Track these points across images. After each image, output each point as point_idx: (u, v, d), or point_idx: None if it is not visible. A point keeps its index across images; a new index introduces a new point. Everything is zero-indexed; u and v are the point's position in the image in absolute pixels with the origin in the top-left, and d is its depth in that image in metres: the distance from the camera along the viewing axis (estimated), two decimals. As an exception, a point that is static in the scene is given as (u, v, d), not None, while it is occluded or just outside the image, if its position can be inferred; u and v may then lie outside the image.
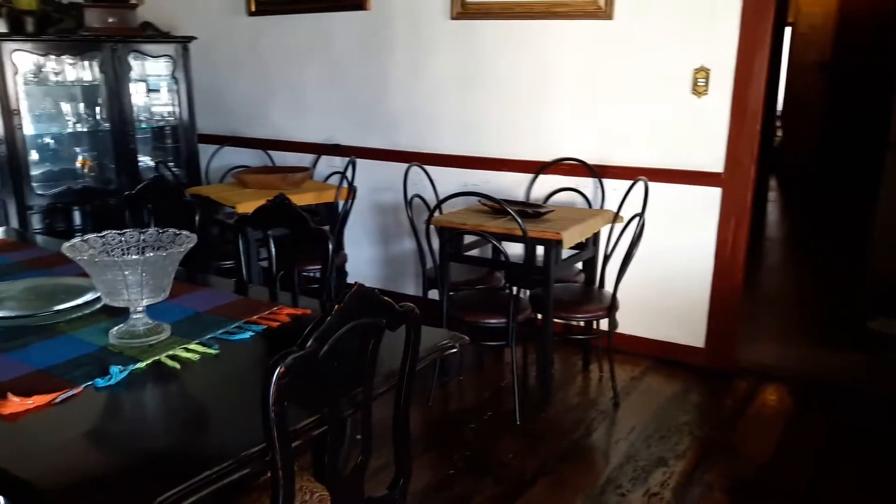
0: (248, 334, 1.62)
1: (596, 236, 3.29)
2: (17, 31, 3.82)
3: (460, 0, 3.66)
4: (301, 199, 3.73)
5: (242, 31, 4.46)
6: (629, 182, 3.20)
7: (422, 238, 3.17)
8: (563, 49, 3.49)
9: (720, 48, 3.11)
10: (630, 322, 3.52)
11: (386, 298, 1.24)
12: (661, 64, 3.26)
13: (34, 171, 4.07)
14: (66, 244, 1.50)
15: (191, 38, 4.44)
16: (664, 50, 3.24)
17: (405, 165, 3.62)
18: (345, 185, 3.75)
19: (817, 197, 7.53)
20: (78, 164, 4.36)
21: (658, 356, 3.52)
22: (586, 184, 3.56)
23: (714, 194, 3.25)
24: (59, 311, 1.70)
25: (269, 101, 4.50)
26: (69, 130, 4.22)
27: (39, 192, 3.97)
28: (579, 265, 3.44)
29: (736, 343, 3.43)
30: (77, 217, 4.19)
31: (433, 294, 3.26)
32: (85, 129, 4.24)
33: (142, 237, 1.65)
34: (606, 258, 3.22)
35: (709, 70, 3.15)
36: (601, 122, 3.47)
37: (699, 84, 3.18)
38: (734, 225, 3.25)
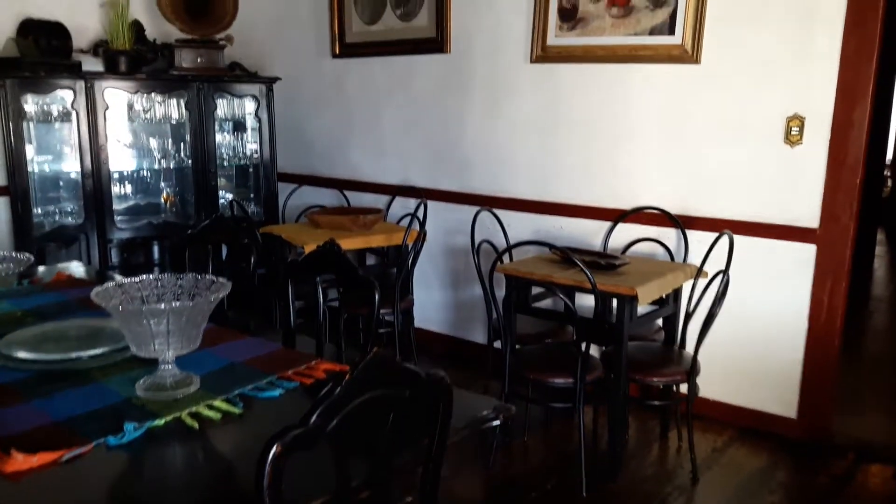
0: (277, 392, 1.52)
1: (677, 292, 3.05)
2: (111, 69, 3.99)
3: (541, 43, 3.55)
4: (371, 241, 3.68)
5: (326, 73, 4.51)
6: (714, 235, 2.96)
7: (488, 285, 3.02)
8: (646, 93, 3.31)
9: (816, 95, 2.86)
10: (714, 386, 3.24)
11: (409, 366, 1.11)
12: (751, 111, 3.03)
13: (120, 205, 4.21)
14: (96, 290, 1.45)
15: (275, 79, 4.52)
16: (754, 96, 3.01)
17: (485, 208, 3.52)
18: (416, 227, 3.68)
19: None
20: (162, 200, 4.48)
21: (744, 425, 3.22)
22: (669, 235, 3.33)
23: (808, 251, 2.97)
24: (92, 356, 1.66)
25: (348, 142, 4.51)
26: (155, 166, 4.35)
27: (121, 225, 4.08)
28: (659, 322, 3.20)
29: (832, 414, 3.09)
30: (156, 251, 4.29)
31: (500, 345, 3.10)
32: (170, 166, 4.36)
33: (179, 283, 1.59)
34: (688, 316, 2.97)
35: (803, 118, 2.90)
36: (685, 171, 3.26)
37: (793, 133, 2.92)
38: (831, 285, 2.94)
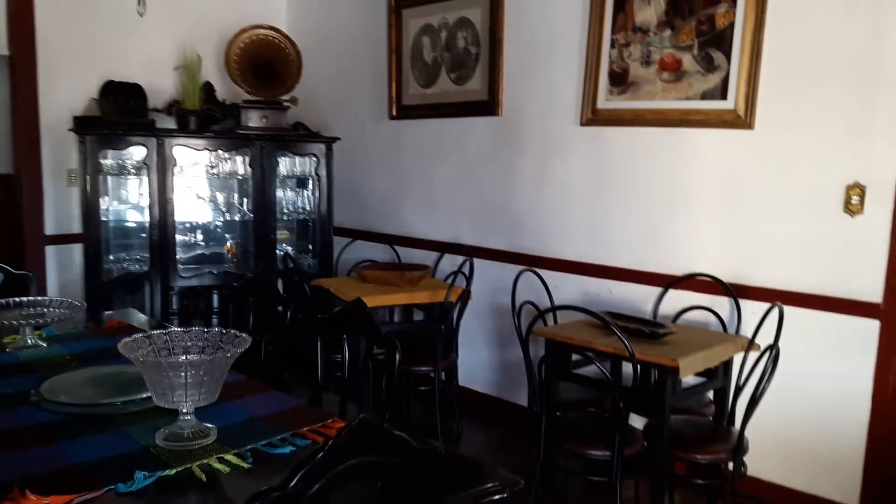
0: (289, 448, 1.53)
1: (728, 365, 2.93)
2: (182, 127, 4.23)
3: (591, 107, 3.57)
4: (415, 297, 3.71)
5: (383, 133, 4.65)
6: (768, 305, 2.85)
7: (527, 348, 2.99)
8: (698, 158, 3.27)
9: (878, 163, 2.75)
10: (767, 466, 3.07)
11: (400, 434, 1.10)
12: (808, 178, 2.94)
13: (186, 254, 4.41)
14: (124, 340, 1.51)
15: (335, 139, 4.69)
16: (811, 164, 2.93)
17: (528, 268, 3.51)
18: (462, 284, 3.69)
19: None
20: (225, 250, 4.66)
21: (799, 510, 3.02)
22: (722, 304, 3.23)
23: (871, 327, 2.81)
24: (123, 402, 1.72)
25: (401, 199, 4.60)
26: (220, 218, 4.54)
27: (184, 274, 4.26)
28: (710, 395, 3.08)
29: (900, 506, 2.86)
30: (215, 300, 4.44)
31: (539, 410, 3.04)
32: (234, 218, 4.55)
33: (205, 336, 1.64)
34: (738, 391, 2.84)
35: (864, 187, 2.79)
36: (739, 238, 3.17)
37: (852, 202, 2.81)
38: (896, 364, 2.77)
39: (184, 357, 1.51)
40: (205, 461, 1.45)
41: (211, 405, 1.56)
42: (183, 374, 1.44)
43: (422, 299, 3.72)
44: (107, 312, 2.99)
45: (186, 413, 1.54)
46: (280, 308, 2.43)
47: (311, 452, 0.99)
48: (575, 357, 2.98)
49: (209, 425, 1.58)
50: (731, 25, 3.12)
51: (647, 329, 2.80)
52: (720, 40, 3.15)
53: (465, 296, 3.72)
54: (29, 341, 2.21)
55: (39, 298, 2.43)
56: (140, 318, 2.89)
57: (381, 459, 1.08)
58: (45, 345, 2.26)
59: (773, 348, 2.56)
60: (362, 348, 2.06)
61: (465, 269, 3.87)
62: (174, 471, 1.41)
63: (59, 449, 1.50)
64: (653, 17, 3.35)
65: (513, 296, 3.30)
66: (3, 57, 4.10)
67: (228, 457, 1.47)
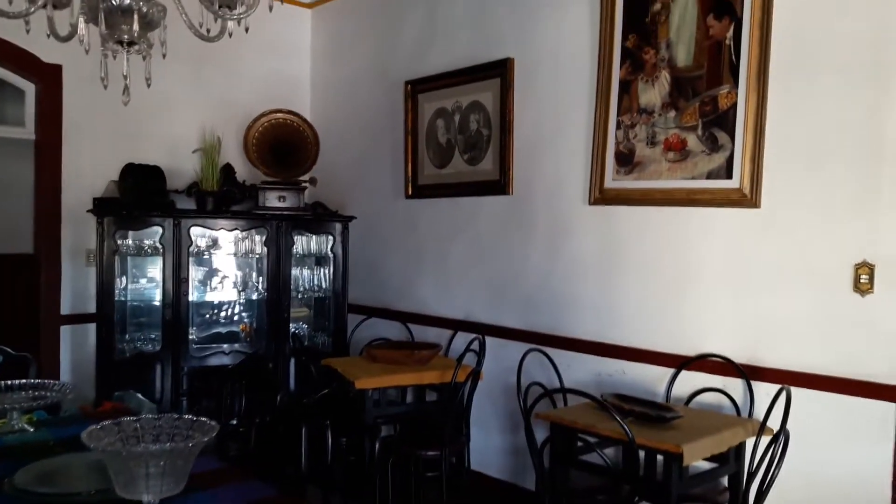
0: (252, 543, 1.48)
1: (739, 449, 2.81)
2: (200, 208, 4.33)
3: (598, 186, 3.57)
4: (423, 377, 3.66)
5: (399, 212, 4.70)
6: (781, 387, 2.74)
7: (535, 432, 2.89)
8: (706, 237, 3.22)
9: (886, 242, 2.68)
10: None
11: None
12: (816, 257, 2.87)
13: (201, 333, 4.44)
14: (90, 428, 1.50)
15: (351, 218, 4.76)
16: (819, 242, 2.86)
17: (537, 346, 3.45)
18: (471, 363, 3.62)
19: None
20: (239, 329, 4.68)
21: None
22: (735, 385, 3.11)
23: (887, 410, 2.67)
24: (94, 492, 1.69)
25: (416, 277, 4.61)
26: (234, 297, 4.59)
27: (196, 354, 4.27)
28: (725, 481, 2.93)
29: None
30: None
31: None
32: (251, 297, 4.59)
33: (175, 424, 1.62)
34: (751, 477, 2.70)
35: (873, 266, 2.71)
36: (750, 318, 3.08)
37: (862, 281, 2.73)
38: (920, 452, 2.62)
39: (143, 447, 1.49)
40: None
41: (177, 496, 1.52)
42: (144, 464, 1.42)
43: (431, 379, 3.67)
44: (116, 393, 3.01)
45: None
46: (274, 390, 2.41)
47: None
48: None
49: (175, 517, 1.54)
50: (734, 106, 3.13)
51: (654, 412, 2.70)
52: (724, 120, 3.15)
53: (476, 375, 3.65)
54: (15, 426, 2.21)
55: (32, 381, 2.44)
56: (140, 400, 2.89)
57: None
58: (31, 429, 2.26)
59: (782, 432, 2.45)
60: (328, 437, 2.02)
61: (477, 347, 3.82)
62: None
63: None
64: (657, 99, 3.38)
65: (518, 376, 3.24)
66: (29, 140, 4.30)
67: (188, 552, 1.43)
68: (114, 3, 1.61)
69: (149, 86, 1.95)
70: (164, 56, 1.90)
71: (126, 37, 1.69)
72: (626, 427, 2.40)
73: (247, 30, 1.93)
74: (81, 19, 1.70)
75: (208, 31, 1.95)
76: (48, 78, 4.21)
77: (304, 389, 4.18)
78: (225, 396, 2.48)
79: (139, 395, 2.99)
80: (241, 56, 4.95)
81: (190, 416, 1.64)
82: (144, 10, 1.66)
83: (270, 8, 1.85)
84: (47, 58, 4.17)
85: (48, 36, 1.89)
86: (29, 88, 4.29)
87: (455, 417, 3.60)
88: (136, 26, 1.65)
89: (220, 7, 1.85)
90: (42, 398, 2.38)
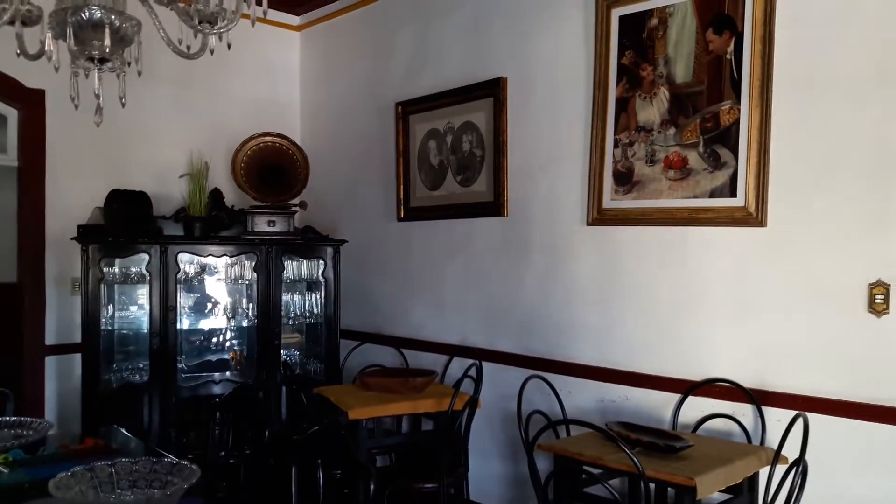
0: None
1: (753, 480, 2.68)
2: (188, 234, 4.21)
3: (596, 206, 3.48)
4: (419, 405, 3.54)
5: (391, 235, 4.60)
6: (795, 413, 2.62)
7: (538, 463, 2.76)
8: (710, 257, 3.12)
9: (901, 260, 2.59)
10: None
11: None
12: (827, 277, 2.77)
13: (190, 362, 4.29)
14: (59, 476, 1.38)
15: (342, 242, 4.64)
16: (830, 261, 2.76)
17: (537, 372, 3.32)
18: (468, 390, 3.50)
19: None
20: (229, 357, 4.54)
21: None
22: (744, 411, 2.99)
23: (910, 438, 2.56)
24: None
25: (410, 301, 4.49)
26: (223, 325, 4.45)
27: (184, 384, 4.13)
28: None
29: None
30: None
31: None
32: (242, 324, 4.45)
33: (153, 468, 1.50)
34: (766, 510, 2.58)
35: (888, 286, 2.61)
36: (758, 340, 2.97)
37: (877, 301, 2.62)
38: (943, 480, 2.50)
39: (116, 496, 1.36)
40: None
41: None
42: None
43: (426, 408, 3.54)
44: (102, 429, 2.86)
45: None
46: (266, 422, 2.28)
47: None
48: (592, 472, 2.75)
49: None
50: (737, 121, 3.04)
51: (662, 442, 2.58)
52: (726, 137, 3.07)
53: (474, 403, 3.52)
54: (-11, 468, 2.08)
55: (8, 419, 2.32)
56: (123, 436, 2.75)
57: None
58: (6, 470, 2.12)
59: (800, 462, 2.32)
60: (319, 475, 1.88)
61: (473, 373, 3.69)
62: None
63: None
64: (656, 116, 3.29)
65: (518, 404, 3.11)
66: (11, 167, 4.18)
67: None
68: (83, 17, 1.51)
69: (123, 105, 1.85)
70: (139, 74, 1.80)
71: (97, 53, 1.58)
72: (635, 459, 2.27)
73: (229, 46, 1.83)
74: (49, 35, 1.59)
75: (188, 48, 1.84)
76: (31, 103, 4.10)
77: (296, 419, 4.04)
78: (212, 429, 2.35)
79: (123, 431, 2.85)
80: (230, 79, 4.87)
81: (170, 460, 1.53)
82: (117, 24, 1.55)
83: (253, 23, 1.76)
84: (30, 83, 4.07)
85: (18, 55, 1.78)
86: (11, 114, 4.18)
87: (453, 447, 3.46)
88: (107, 41, 1.54)
89: (200, 22, 1.75)
90: (20, 437, 2.27)
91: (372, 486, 1.75)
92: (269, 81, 5.15)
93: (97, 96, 1.66)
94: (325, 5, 4.98)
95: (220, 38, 1.80)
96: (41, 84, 4.08)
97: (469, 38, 4.11)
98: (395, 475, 3.40)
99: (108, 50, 1.55)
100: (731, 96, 3.05)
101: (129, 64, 1.88)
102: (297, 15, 5.23)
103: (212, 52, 1.87)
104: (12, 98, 4.09)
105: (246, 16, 1.74)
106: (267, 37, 5.06)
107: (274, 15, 5.06)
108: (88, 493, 1.44)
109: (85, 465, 2.16)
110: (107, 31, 1.52)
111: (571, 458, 2.61)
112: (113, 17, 1.53)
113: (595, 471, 2.57)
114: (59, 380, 4.27)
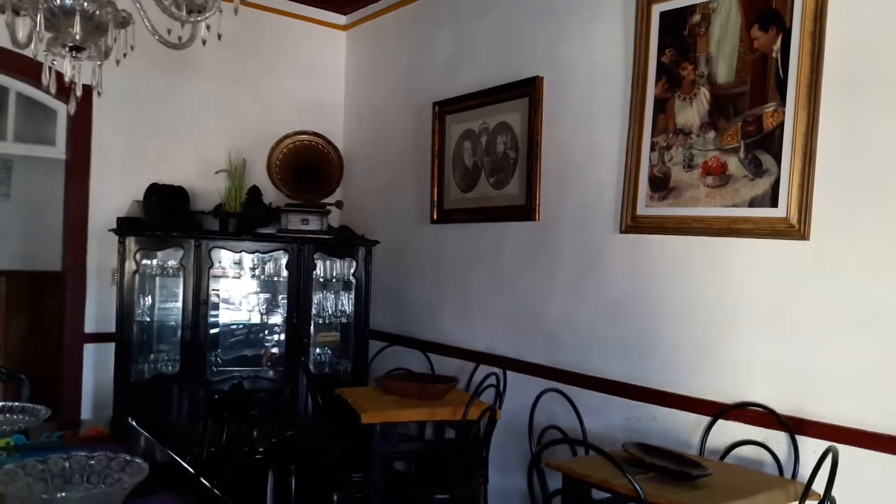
0: None
1: (781, 515, 2.46)
2: (223, 230, 4.24)
3: (630, 213, 3.30)
4: (436, 413, 3.44)
5: (424, 237, 4.52)
6: (829, 444, 2.40)
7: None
8: (748, 271, 2.90)
9: (956, 281, 2.33)
10: None
11: None
12: (874, 296, 2.52)
13: (225, 356, 4.33)
14: (6, 467, 1.35)
15: (374, 242, 4.60)
16: (877, 279, 2.52)
17: (555, 385, 3.18)
18: (489, 400, 3.37)
19: None
20: (261, 354, 4.55)
21: None
22: (778, 439, 2.77)
23: (959, 481, 2.30)
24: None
25: (439, 305, 4.40)
26: (256, 321, 4.47)
27: (213, 378, 4.15)
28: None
29: None
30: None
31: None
32: (276, 321, 4.46)
33: (111, 463, 1.46)
34: (793, 549, 2.37)
35: (939, 309, 2.35)
36: (796, 363, 2.74)
37: (926, 326, 2.37)
38: None
39: (61, 495, 1.32)
40: None
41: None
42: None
43: (444, 415, 3.44)
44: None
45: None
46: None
47: None
48: (603, 495, 2.59)
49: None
50: (781, 126, 2.82)
51: (677, 468, 2.39)
52: (769, 142, 2.85)
53: (493, 413, 3.40)
54: (-12, 451, 2.10)
55: (16, 404, 2.35)
56: (132, 427, 2.76)
57: None
58: (4, 454, 2.14)
59: (827, 499, 2.11)
60: (291, 484, 1.81)
61: (496, 382, 3.56)
62: None
63: None
64: (695, 119, 3.10)
65: (531, 418, 2.98)
66: (60, 160, 4.31)
67: None
68: (55, 3, 1.48)
69: (99, 94, 1.83)
70: (117, 63, 1.77)
71: (69, 41, 1.56)
72: (637, 485, 2.11)
73: (219, 36, 1.78)
74: (20, 22, 1.58)
75: (180, 38, 1.81)
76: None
77: (316, 420, 4.00)
78: (205, 427, 2.33)
79: (134, 423, 2.86)
80: (276, 78, 4.91)
81: (125, 457, 1.49)
82: (90, 10, 1.53)
83: (235, 11, 1.70)
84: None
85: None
86: (60, 108, 4.32)
87: (469, 457, 3.34)
88: (77, 28, 1.52)
89: (188, 13, 1.71)
90: (23, 422, 2.30)
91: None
92: (316, 81, 5.16)
93: (73, 83, 1.64)
94: (369, 4, 4.95)
95: (209, 28, 1.76)
96: (88, 80, 4.18)
97: (505, 36, 4.00)
98: (408, 483, 3.32)
99: (78, 38, 1.53)
100: (776, 98, 2.83)
101: (126, 54, 1.87)
102: (344, 14, 5.22)
103: (204, 42, 1.83)
104: (61, 92, 4.20)
105: (228, 0, 1.69)
106: (314, 36, 5.08)
107: (322, 14, 5.10)
108: (36, 486, 1.41)
109: (86, 451, 2.18)
110: (77, 17, 1.50)
111: (579, 478, 2.46)
112: (85, 3, 1.50)
113: (603, 494, 2.42)
114: (98, 368, 4.37)
